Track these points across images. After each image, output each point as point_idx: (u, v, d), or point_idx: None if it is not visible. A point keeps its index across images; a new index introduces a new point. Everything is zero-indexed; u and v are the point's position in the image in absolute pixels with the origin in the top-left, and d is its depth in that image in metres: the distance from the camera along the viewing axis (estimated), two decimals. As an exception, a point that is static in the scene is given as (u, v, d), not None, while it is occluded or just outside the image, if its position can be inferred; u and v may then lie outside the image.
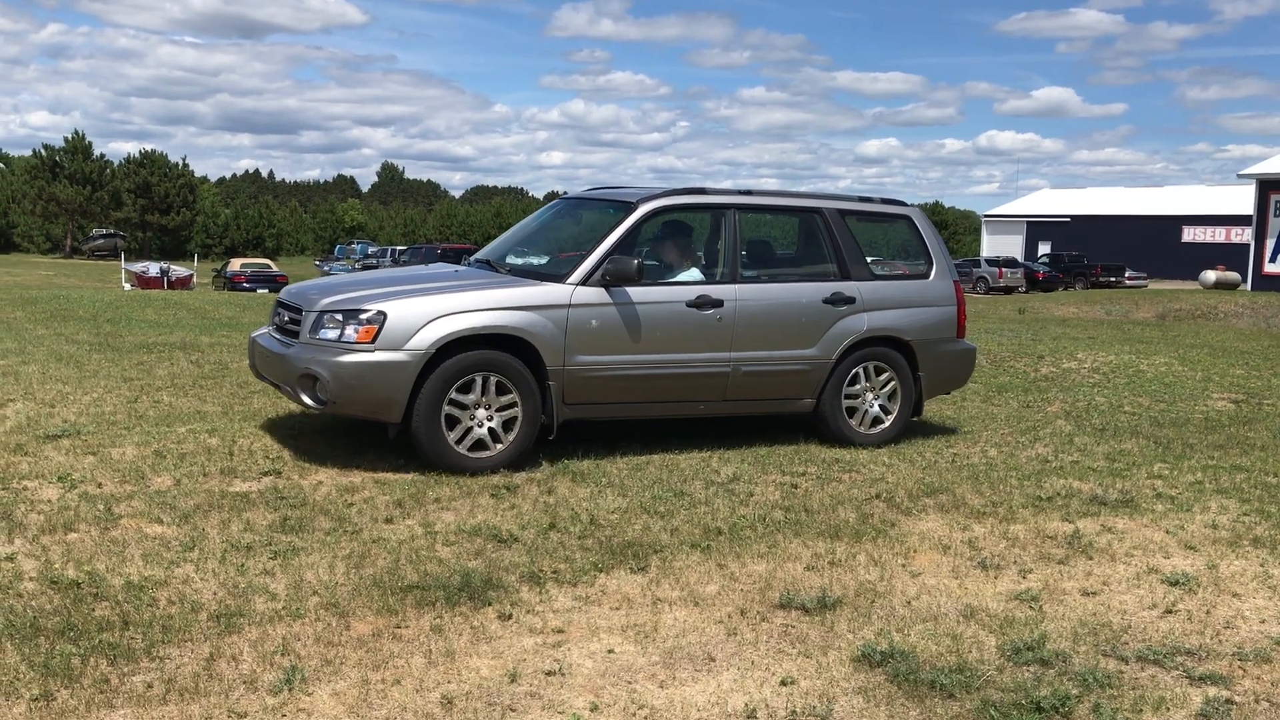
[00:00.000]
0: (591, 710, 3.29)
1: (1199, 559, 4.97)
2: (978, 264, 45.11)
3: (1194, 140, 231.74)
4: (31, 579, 4.10)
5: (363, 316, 5.95)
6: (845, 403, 7.22)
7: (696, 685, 3.49)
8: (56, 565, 4.26)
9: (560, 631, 3.89)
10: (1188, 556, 5.01)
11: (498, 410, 6.09)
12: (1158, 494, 6.13)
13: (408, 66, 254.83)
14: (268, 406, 7.59)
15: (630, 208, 6.71)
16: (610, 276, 6.37)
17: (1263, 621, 4.21)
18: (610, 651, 3.72)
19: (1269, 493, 6.22)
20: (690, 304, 6.66)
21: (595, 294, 6.36)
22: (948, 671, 3.60)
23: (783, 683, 3.51)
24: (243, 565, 4.37)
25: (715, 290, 6.76)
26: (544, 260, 7.11)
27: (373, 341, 5.88)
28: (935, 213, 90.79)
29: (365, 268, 44.04)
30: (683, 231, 7.14)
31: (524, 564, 4.55)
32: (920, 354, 7.40)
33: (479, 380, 6.02)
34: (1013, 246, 61.27)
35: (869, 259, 7.52)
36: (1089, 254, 51.65)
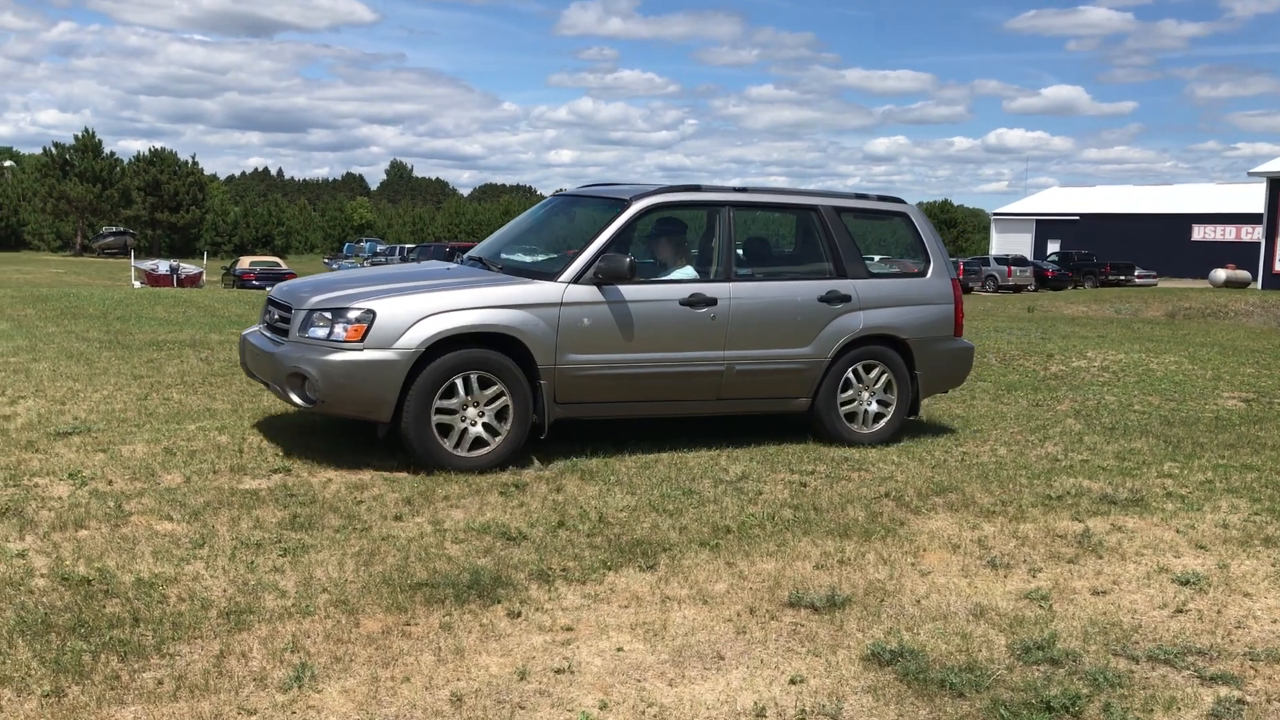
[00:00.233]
0: (601, 708, 3.29)
1: (1210, 558, 4.95)
2: (987, 262, 44.91)
3: (1204, 138, 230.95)
4: (42, 576, 4.12)
5: (351, 315, 5.91)
6: (841, 405, 7.16)
7: (706, 683, 3.48)
8: (67, 562, 4.28)
9: (569, 629, 3.88)
10: (1198, 556, 4.99)
11: (488, 408, 6.06)
12: (1168, 493, 6.11)
13: (416, 65, 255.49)
14: (277, 404, 7.60)
15: (623, 205, 6.66)
16: (603, 274, 6.32)
17: (1274, 621, 4.19)
18: (619, 649, 3.72)
19: (1280, 492, 6.19)
20: (684, 302, 6.61)
21: (587, 292, 6.32)
22: (957, 670, 3.59)
23: (792, 681, 3.51)
24: (252, 562, 4.38)
25: (709, 288, 6.70)
26: (536, 258, 7.07)
27: (361, 340, 5.84)
28: (944, 211, 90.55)
29: (374, 265, 44.11)
30: (676, 229, 7.07)
31: (533, 562, 4.55)
32: (917, 352, 7.33)
33: (469, 379, 5.98)
34: (1022, 245, 61.18)
35: (868, 257, 7.47)
36: (1098, 252, 51.49)
